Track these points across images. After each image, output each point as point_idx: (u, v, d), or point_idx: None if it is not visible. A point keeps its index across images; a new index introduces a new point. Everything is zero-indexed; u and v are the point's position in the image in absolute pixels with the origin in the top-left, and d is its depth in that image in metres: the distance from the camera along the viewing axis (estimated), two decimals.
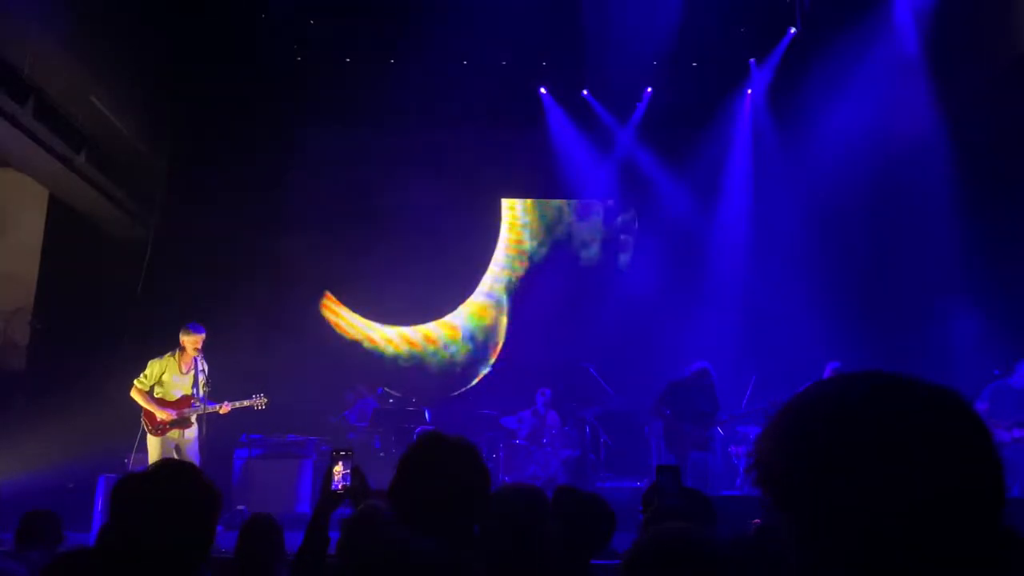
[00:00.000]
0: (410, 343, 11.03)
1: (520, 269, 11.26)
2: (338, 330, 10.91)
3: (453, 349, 11.01)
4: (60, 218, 9.59)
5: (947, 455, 0.79)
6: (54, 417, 7.82)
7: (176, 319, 7.75)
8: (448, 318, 11.09)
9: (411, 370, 10.70)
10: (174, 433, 6.73)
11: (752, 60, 10.58)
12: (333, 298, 10.95)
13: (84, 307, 9.32)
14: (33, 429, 7.91)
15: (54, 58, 7.48)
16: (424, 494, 1.74)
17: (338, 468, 2.53)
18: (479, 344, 11.02)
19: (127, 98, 8.87)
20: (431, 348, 11.02)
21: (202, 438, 6.80)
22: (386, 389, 9.04)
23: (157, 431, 6.75)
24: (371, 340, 10.94)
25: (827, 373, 8.24)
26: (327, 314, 10.96)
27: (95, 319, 9.37)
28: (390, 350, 10.95)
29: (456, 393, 10.13)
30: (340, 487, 2.52)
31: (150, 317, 9.41)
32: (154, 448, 6.75)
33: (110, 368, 8.73)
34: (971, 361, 7.89)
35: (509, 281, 11.24)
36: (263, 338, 9.24)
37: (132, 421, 7.52)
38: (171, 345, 7.22)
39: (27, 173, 8.72)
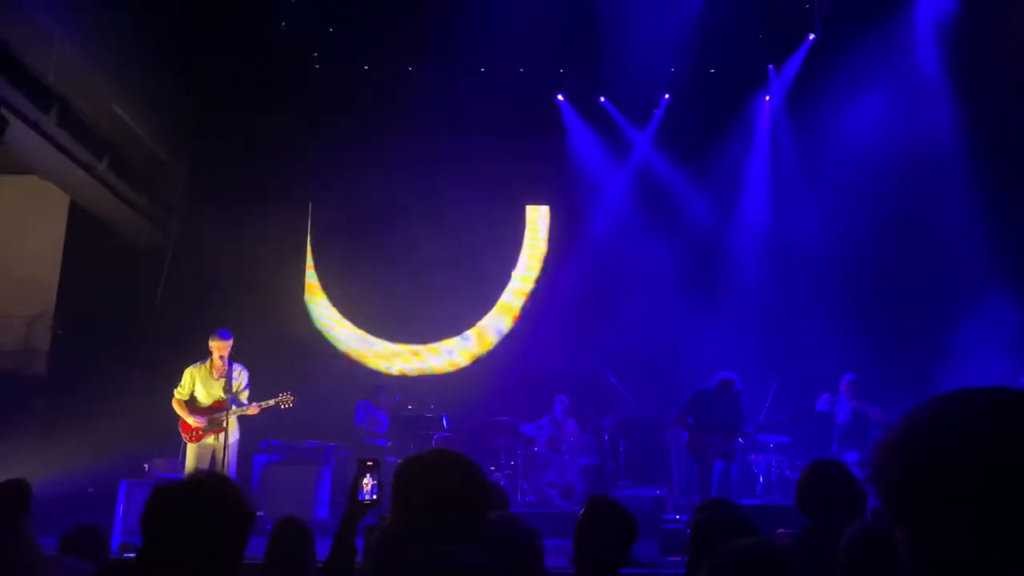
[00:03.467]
0: (418, 358, 11.01)
1: (541, 275, 11.21)
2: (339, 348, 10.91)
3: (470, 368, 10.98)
4: (81, 224, 9.66)
5: None
6: (74, 422, 7.87)
7: (195, 325, 7.82)
8: (464, 336, 11.07)
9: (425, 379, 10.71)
10: (209, 439, 6.80)
11: (771, 66, 10.54)
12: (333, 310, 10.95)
13: (104, 313, 9.38)
14: (53, 434, 7.98)
15: (77, 67, 7.56)
16: (418, 502, 1.75)
17: (366, 479, 2.54)
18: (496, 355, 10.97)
19: (149, 107, 8.95)
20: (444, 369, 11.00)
21: (239, 443, 6.90)
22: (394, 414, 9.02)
23: (192, 438, 6.84)
24: (370, 359, 10.94)
25: (843, 385, 8.22)
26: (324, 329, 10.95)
27: (115, 325, 9.44)
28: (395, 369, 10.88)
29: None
30: (367, 498, 2.53)
31: (169, 323, 9.48)
32: (191, 456, 6.86)
33: (130, 373, 8.82)
34: (992, 369, 7.80)
35: (530, 288, 11.20)
36: (283, 344, 9.28)
37: (152, 426, 7.59)
38: (190, 351, 7.32)
39: (49, 180, 8.80)
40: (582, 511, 2.52)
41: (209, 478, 2.11)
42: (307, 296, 10.93)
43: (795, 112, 10.50)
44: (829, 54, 9.68)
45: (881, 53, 9.37)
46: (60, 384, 9.07)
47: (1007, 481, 0.78)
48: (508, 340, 10.99)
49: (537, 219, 11.40)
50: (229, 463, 6.82)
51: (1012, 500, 0.78)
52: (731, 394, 7.93)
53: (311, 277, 11.00)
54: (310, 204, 10.91)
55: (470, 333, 11.04)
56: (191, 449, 6.91)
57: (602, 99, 10.92)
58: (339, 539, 2.49)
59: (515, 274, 11.22)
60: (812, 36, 9.92)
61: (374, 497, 2.52)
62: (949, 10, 9.19)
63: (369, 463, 2.54)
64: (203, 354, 7.21)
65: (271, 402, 7.00)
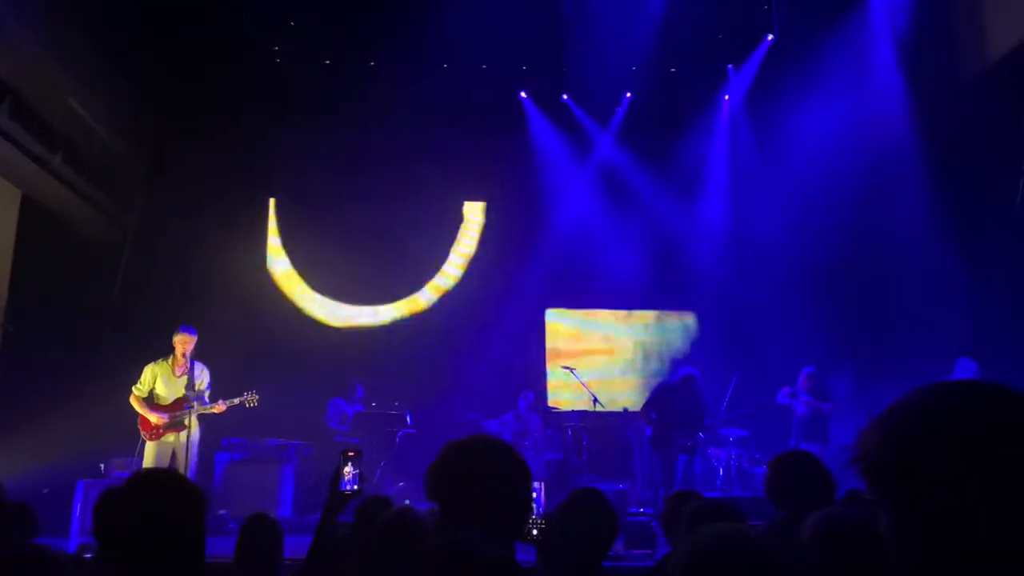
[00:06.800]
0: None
1: (502, 270, 11.20)
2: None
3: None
4: (34, 220, 9.40)
5: None
6: (27, 421, 7.69)
7: (153, 322, 7.70)
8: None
9: (391, 375, 10.65)
10: (170, 437, 6.70)
11: (730, 66, 10.71)
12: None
13: (58, 310, 9.16)
14: (5, 434, 7.76)
15: (31, 59, 7.37)
16: (478, 496, 1.74)
17: (347, 469, 2.54)
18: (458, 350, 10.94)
19: (105, 100, 8.76)
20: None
21: (200, 441, 6.80)
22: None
23: (152, 436, 6.72)
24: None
25: (802, 378, 8.40)
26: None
27: (70, 322, 9.21)
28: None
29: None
30: (348, 487, 2.53)
31: (127, 320, 9.31)
32: (150, 454, 6.75)
33: (86, 372, 8.62)
34: (949, 360, 8.03)
35: (492, 282, 11.18)
36: (243, 341, 9.15)
37: (108, 425, 7.43)
38: (148, 348, 7.19)
39: (1, 174, 8.55)
40: (564, 503, 2.52)
41: (153, 474, 2.09)
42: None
43: (754, 111, 10.69)
44: (787, 55, 9.86)
45: (838, 53, 9.59)
46: (12, 383, 8.83)
47: (983, 465, 0.83)
48: (472, 335, 10.97)
49: (491, 215, 11.37)
50: (190, 462, 6.73)
51: (988, 483, 0.83)
52: (693, 390, 8.08)
53: (278, 264, 10.85)
54: (271, 199, 10.79)
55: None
56: (150, 447, 6.80)
57: (564, 97, 10.97)
58: (322, 530, 2.48)
59: (472, 267, 11.21)
60: (770, 37, 10.10)
61: (355, 487, 2.52)
62: (903, 12, 9.43)
63: (351, 452, 2.54)
64: (162, 352, 7.10)
65: (236, 401, 6.94)
